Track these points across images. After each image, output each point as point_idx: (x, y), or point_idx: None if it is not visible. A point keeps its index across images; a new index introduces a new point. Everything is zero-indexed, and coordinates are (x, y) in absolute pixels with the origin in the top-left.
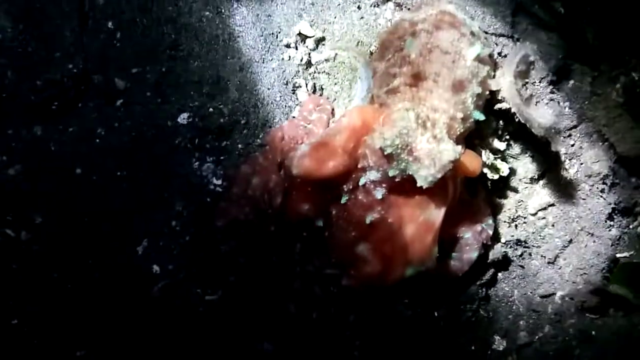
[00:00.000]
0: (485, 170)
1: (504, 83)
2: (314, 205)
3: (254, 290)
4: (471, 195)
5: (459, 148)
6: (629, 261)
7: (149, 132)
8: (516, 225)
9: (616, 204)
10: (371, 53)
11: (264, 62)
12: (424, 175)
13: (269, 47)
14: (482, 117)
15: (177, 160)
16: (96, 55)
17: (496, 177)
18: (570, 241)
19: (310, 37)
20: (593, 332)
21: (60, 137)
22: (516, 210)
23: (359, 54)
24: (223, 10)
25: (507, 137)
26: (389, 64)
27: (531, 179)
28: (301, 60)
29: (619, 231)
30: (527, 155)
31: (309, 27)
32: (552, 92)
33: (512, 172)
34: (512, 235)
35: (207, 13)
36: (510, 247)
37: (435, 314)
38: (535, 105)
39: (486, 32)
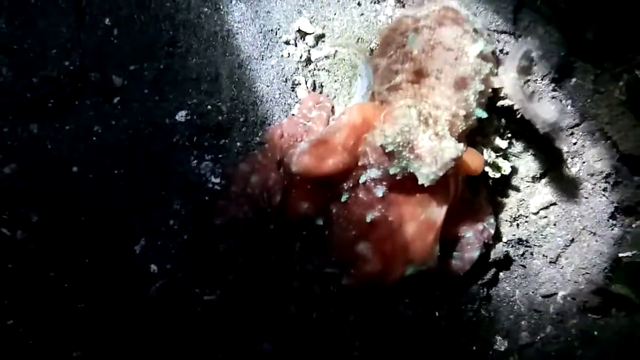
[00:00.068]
0: (487, 168)
1: (507, 79)
2: (313, 204)
3: (253, 289)
4: (472, 194)
5: (461, 146)
6: (632, 261)
7: (147, 130)
8: (518, 224)
9: (619, 203)
10: (371, 50)
11: (263, 59)
12: (426, 173)
13: (268, 44)
14: (484, 115)
15: (175, 159)
16: (93, 52)
17: (498, 175)
18: (573, 240)
19: (309, 33)
20: (595, 333)
21: (56, 135)
22: (518, 209)
23: (359, 50)
24: (221, 7)
25: (509, 135)
26: (390, 61)
27: (533, 177)
28: (301, 57)
29: (622, 230)
30: (529, 153)
31: (309, 23)
32: (554, 90)
33: (514, 170)
34: (514, 235)
35: (206, 9)
36: (512, 246)
37: (436, 313)
38: (539, 101)
39: (488, 29)
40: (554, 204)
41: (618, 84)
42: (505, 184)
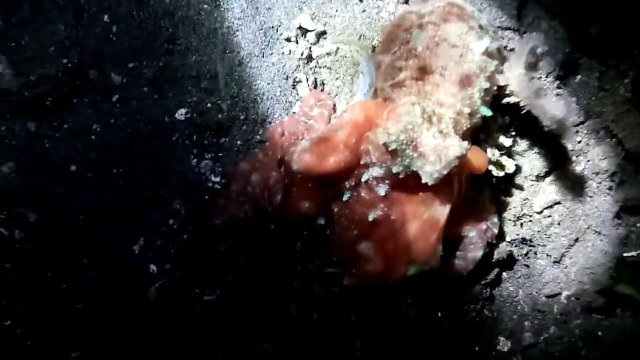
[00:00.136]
0: (491, 167)
1: (513, 76)
2: (314, 203)
3: (253, 290)
4: (476, 193)
5: (466, 144)
6: (637, 260)
7: (146, 129)
8: (521, 224)
9: (624, 202)
10: (374, 47)
11: (263, 57)
12: (429, 172)
13: (269, 41)
14: (489, 113)
15: (174, 157)
16: (91, 50)
17: (502, 174)
18: (577, 240)
19: (311, 30)
20: (599, 333)
21: (54, 133)
22: (522, 208)
23: (361, 47)
24: (221, 3)
25: (513, 133)
26: (394, 57)
27: (537, 176)
28: (302, 55)
29: (627, 230)
30: (533, 151)
31: (310, 20)
32: (558, 87)
33: (518, 169)
34: (518, 234)
35: (205, 6)
36: (516, 246)
37: (439, 314)
38: (546, 97)
39: (492, 26)
40: (558, 203)
41: (623, 81)
42: (509, 183)
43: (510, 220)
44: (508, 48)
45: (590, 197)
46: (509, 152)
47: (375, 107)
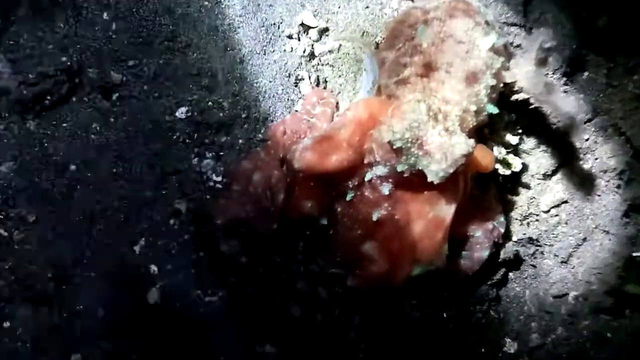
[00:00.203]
0: (497, 165)
1: (522, 72)
2: (317, 203)
3: (255, 291)
4: (482, 192)
5: (472, 142)
6: None
7: (146, 127)
8: (528, 223)
9: (632, 201)
10: (377, 44)
11: (265, 54)
12: (435, 170)
13: (271, 38)
14: (495, 111)
15: (175, 156)
16: (91, 48)
17: (508, 172)
18: (585, 239)
19: (313, 27)
20: (608, 334)
21: (53, 132)
22: (528, 207)
23: (364, 44)
24: (222, 0)
25: (520, 131)
26: (398, 54)
27: (544, 174)
28: (304, 52)
29: (636, 229)
30: (540, 150)
31: (312, 17)
32: (565, 84)
33: (525, 167)
34: (524, 234)
35: (206, 3)
36: (522, 245)
37: (444, 315)
38: (558, 94)
39: (498, 21)
40: (566, 201)
41: (632, 77)
42: (515, 182)
43: (516, 219)
44: (514, 44)
45: (598, 195)
46: (515, 150)
47: (379, 104)
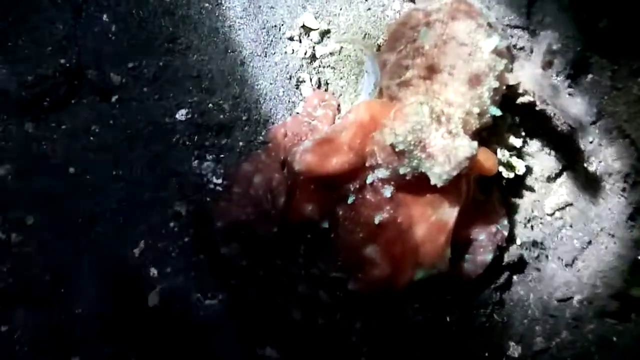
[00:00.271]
0: (500, 168)
1: (528, 75)
2: (318, 206)
3: (256, 294)
4: (485, 194)
5: (475, 144)
6: None
7: (146, 129)
8: (532, 226)
9: (638, 204)
10: (379, 46)
11: (266, 56)
12: (438, 173)
13: (272, 40)
14: (498, 113)
15: (175, 159)
16: (90, 49)
17: (511, 175)
18: (589, 242)
19: (314, 29)
20: (613, 338)
21: (52, 134)
22: (532, 210)
23: (366, 46)
24: (223, 2)
25: (523, 133)
26: (400, 56)
27: (548, 177)
28: (305, 54)
29: None
30: (544, 152)
31: (314, 19)
32: (569, 87)
33: (528, 170)
34: (528, 237)
35: (207, 4)
36: (526, 248)
37: (447, 319)
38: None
39: (500, 24)
40: (570, 204)
41: (636, 80)
42: (519, 184)
43: (520, 222)
44: (517, 46)
45: (603, 198)
46: (519, 153)
47: (381, 106)
